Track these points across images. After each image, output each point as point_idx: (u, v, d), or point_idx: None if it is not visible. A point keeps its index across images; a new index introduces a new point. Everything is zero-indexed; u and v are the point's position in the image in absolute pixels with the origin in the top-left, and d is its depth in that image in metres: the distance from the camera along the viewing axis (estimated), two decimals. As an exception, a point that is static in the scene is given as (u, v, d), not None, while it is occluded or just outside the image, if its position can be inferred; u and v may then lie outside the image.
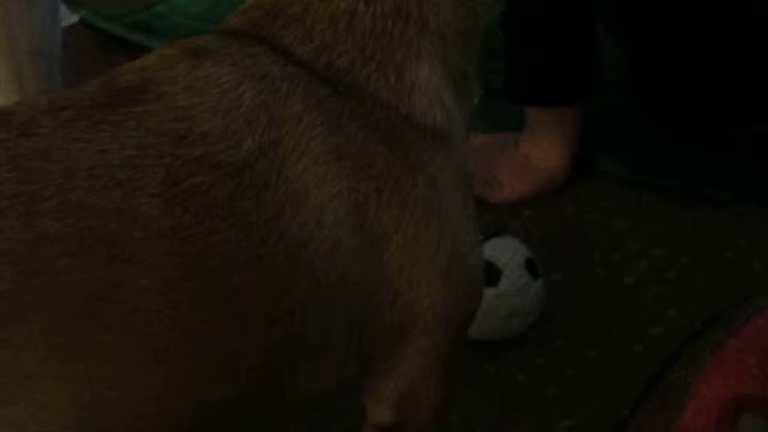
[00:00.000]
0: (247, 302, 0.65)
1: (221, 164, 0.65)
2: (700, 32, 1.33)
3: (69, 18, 2.02)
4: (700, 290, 1.26)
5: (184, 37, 0.74)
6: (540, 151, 1.40)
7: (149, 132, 0.64)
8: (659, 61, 1.40)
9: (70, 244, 0.59)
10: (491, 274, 1.10)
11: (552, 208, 1.39)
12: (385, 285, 0.71)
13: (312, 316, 0.68)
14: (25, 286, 0.58)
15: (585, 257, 1.32)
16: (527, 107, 1.43)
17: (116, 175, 0.62)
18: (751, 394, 0.91)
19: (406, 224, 0.71)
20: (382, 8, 0.72)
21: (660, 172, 1.43)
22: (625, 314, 1.23)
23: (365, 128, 0.70)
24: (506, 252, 1.14)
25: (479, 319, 1.11)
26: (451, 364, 0.79)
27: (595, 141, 1.45)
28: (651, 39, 1.38)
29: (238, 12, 0.75)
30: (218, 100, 0.67)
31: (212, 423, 0.68)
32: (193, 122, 0.65)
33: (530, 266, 1.15)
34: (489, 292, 1.10)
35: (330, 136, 0.68)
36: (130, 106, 0.66)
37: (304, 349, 0.69)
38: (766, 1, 1.28)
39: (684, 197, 1.39)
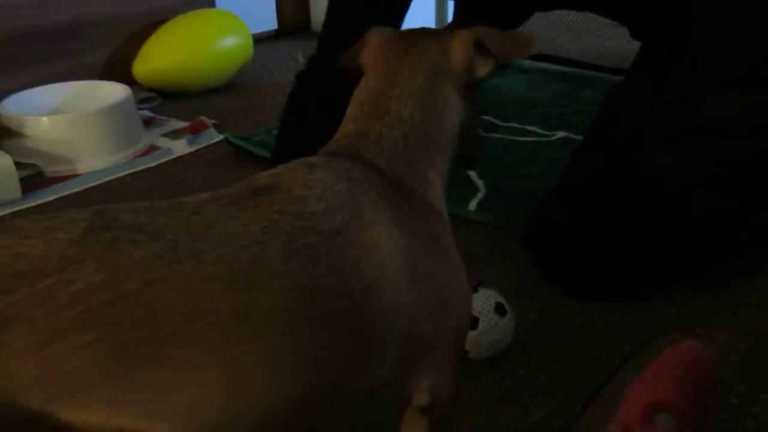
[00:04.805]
0: (339, 319, 0.65)
1: (322, 231, 0.66)
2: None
3: (216, 137, 2.06)
4: (630, 327, 1.24)
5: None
6: None
7: (276, 212, 0.66)
8: None
9: (224, 280, 0.60)
10: (472, 321, 1.10)
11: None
12: (424, 312, 0.72)
13: (379, 330, 0.68)
14: (196, 308, 0.59)
15: (551, 303, 1.30)
16: None
17: (254, 238, 0.63)
18: (664, 400, 0.89)
19: (438, 270, 0.73)
20: (417, 135, 0.80)
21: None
22: (578, 341, 1.20)
23: (412, 209, 0.74)
24: (479, 303, 1.12)
25: (471, 349, 1.11)
26: (461, 363, 0.81)
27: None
28: None
29: (333, 140, 0.81)
30: (323, 192, 0.69)
31: (313, 409, 0.68)
32: (305, 205, 0.67)
33: (499, 309, 1.13)
34: (472, 333, 1.10)
35: (393, 212, 0.71)
36: (265, 196, 0.68)
37: (372, 353, 0.69)
38: None
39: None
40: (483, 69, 0.87)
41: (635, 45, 1.50)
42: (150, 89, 2.36)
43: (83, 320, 0.55)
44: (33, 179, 1.81)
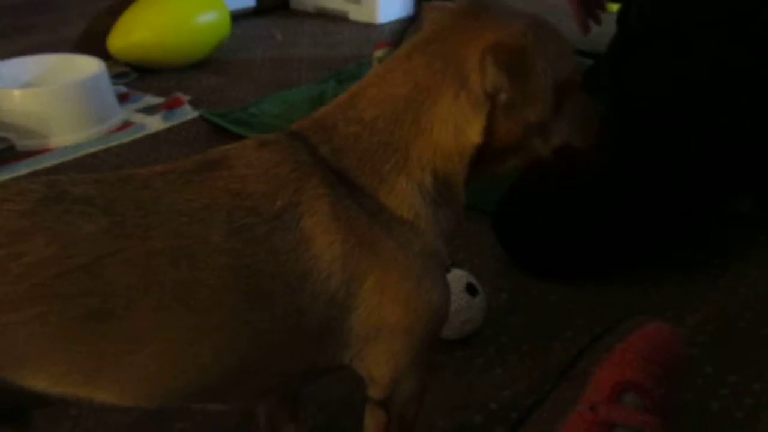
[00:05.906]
0: (273, 300, 0.65)
1: (261, 213, 0.65)
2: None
3: (191, 114, 2.04)
4: (601, 308, 1.24)
5: (267, 131, 0.75)
6: None
7: (218, 189, 0.65)
8: None
9: (168, 256, 0.60)
10: None
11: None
12: (361, 306, 0.69)
13: (311, 316, 0.67)
14: (142, 281, 0.59)
15: (523, 284, 1.31)
16: None
17: (197, 215, 0.63)
18: (631, 380, 0.90)
19: (377, 269, 0.69)
20: (376, 140, 0.70)
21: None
22: (548, 322, 1.21)
23: (355, 205, 0.68)
24: (451, 283, 1.10)
25: (444, 327, 1.11)
26: (426, 358, 0.76)
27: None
28: None
29: (298, 122, 0.75)
30: (265, 172, 0.67)
31: (250, 380, 0.69)
32: (246, 185, 0.66)
33: (470, 288, 1.14)
34: None
35: (333, 204, 0.67)
36: (210, 172, 0.67)
37: (303, 337, 0.68)
38: None
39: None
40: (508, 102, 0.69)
41: (613, 28, 1.50)
42: (125, 64, 2.33)
43: (33, 293, 0.56)
44: (4, 153, 1.78)
